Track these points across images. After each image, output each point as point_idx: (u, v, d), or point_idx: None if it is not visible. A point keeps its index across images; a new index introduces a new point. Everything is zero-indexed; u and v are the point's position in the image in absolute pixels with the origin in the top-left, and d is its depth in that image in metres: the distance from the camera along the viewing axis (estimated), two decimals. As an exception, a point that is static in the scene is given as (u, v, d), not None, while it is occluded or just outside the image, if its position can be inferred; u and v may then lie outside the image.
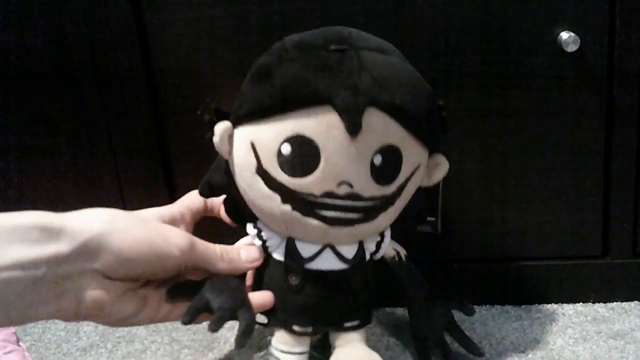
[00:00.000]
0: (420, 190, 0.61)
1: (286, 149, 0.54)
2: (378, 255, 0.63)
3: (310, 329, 0.61)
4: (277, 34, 0.68)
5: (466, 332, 0.67)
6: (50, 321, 0.80)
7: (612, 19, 0.66)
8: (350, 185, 0.54)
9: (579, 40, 0.65)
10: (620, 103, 0.68)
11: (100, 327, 0.79)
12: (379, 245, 0.62)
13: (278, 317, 0.61)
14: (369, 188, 0.55)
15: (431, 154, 0.59)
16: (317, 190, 0.55)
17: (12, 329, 0.69)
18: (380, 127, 0.54)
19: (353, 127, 0.52)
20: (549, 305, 0.75)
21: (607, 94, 0.68)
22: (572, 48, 0.65)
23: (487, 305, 0.76)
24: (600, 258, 0.74)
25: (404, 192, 0.58)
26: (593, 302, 0.75)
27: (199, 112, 0.57)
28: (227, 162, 0.59)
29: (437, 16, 0.67)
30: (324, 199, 0.55)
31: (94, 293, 0.49)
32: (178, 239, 0.54)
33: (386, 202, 0.57)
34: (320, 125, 0.53)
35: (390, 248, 0.64)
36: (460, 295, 0.66)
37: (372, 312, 0.64)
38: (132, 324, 0.55)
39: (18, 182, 0.76)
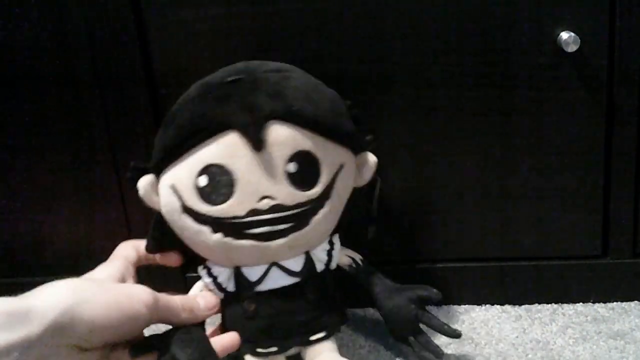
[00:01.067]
0: (361, 191, 0.62)
1: (202, 181, 0.57)
2: (333, 264, 0.63)
3: (275, 349, 0.62)
4: (277, 34, 0.68)
5: (466, 332, 0.67)
6: (50, 321, 0.80)
7: (612, 19, 0.66)
8: (272, 198, 0.56)
9: (579, 40, 0.65)
10: (620, 103, 0.68)
11: (100, 327, 0.79)
12: (330, 254, 0.63)
13: (244, 344, 0.62)
14: (291, 196, 0.57)
15: (357, 153, 0.61)
16: (241, 211, 0.56)
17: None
18: (285, 136, 0.56)
19: (256, 143, 0.55)
20: (549, 305, 0.75)
21: (607, 94, 0.68)
22: (572, 48, 0.65)
23: (487, 305, 0.76)
24: (600, 258, 0.74)
25: (333, 193, 0.59)
26: (593, 302, 0.75)
27: (127, 174, 0.60)
28: (160, 213, 0.61)
29: (437, 16, 0.67)
30: (250, 218, 0.57)
31: None
32: (142, 295, 0.54)
33: (315, 205, 0.58)
34: (227, 149, 0.56)
35: (343, 256, 0.66)
36: (455, 296, 0.66)
37: (339, 320, 0.64)
38: None
39: (18, 182, 0.76)
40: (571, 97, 0.69)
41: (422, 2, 0.67)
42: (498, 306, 0.76)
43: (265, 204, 0.56)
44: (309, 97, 0.57)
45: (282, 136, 0.56)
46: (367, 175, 0.62)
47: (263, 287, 0.61)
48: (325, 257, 0.63)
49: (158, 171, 0.59)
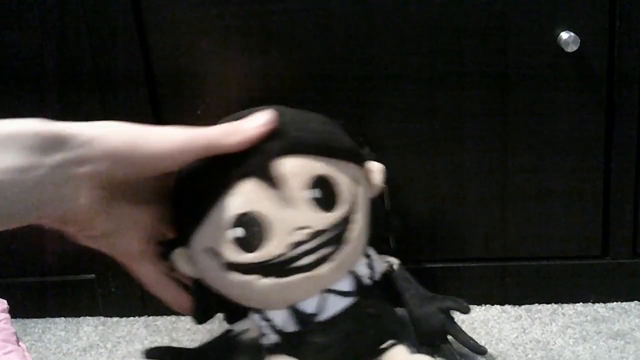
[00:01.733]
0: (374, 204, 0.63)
1: (238, 232, 0.56)
2: (377, 274, 0.64)
3: None
4: (277, 34, 0.68)
5: (466, 332, 0.67)
6: (50, 321, 0.80)
7: (612, 19, 0.66)
8: (307, 227, 0.57)
9: (579, 40, 0.65)
10: (620, 103, 0.68)
11: (100, 327, 0.79)
12: (371, 266, 0.63)
13: None
14: (323, 219, 0.58)
15: (362, 164, 0.62)
16: (283, 248, 0.57)
17: (12, 329, 0.68)
18: (300, 167, 0.57)
19: (274, 180, 0.56)
20: (549, 305, 0.75)
21: (607, 94, 0.68)
22: (572, 48, 0.65)
23: (487, 305, 0.76)
24: (600, 258, 0.74)
25: (357, 206, 0.60)
26: (593, 302, 0.75)
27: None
28: (196, 281, 0.60)
29: (437, 16, 0.67)
30: (294, 251, 0.57)
31: (85, 200, 0.49)
32: (174, 129, 0.53)
33: (347, 222, 0.59)
34: (250, 195, 0.56)
35: (381, 263, 0.66)
36: (454, 296, 0.66)
37: (405, 329, 0.65)
38: (101, 246, 0.55)
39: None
40: (571, 97, 0.69)
41: (422, 2, 0.67)
42: (498, 306, 0.76)
43: (302, 234, 0.57)
44: (305, 127, 0.59)
45: (295, 167, 0.57)
46: (377, 182, 0.63)
47: (324, 316, 0.61)
48: (367, 270, 0.63)
49: (186, 240, 0.59)
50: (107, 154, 0.49)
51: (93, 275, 0.79)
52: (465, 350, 0.66)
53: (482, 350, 0.66)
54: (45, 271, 0.80)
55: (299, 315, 0.61)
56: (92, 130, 0.49)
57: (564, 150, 0.70)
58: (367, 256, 0.64)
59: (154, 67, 0.70)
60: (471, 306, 0.75)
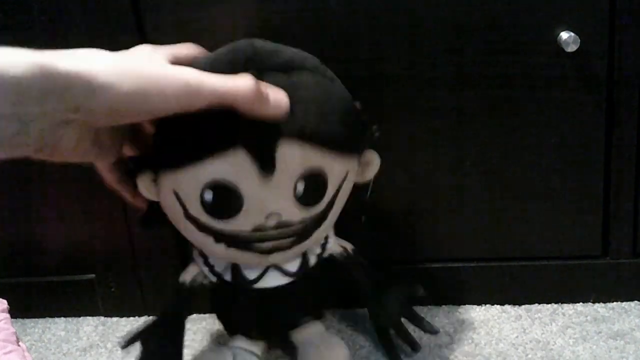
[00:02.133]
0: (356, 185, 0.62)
1: (208, 195, 0.55)
2: (325, 254, 0.64)
3: (263, 342, 0.66)
4: (277, 34, 0.68)
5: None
6: (50, 321, 0.80)
7: (612, 19, 0.66)
8: (279, 215, 0.55)
9: (579, 40, 0.64)
10: (620, 103, 0.68)
11: (100, 327, 0.79)
12: (324, 247, 0.64)
13: (232, 332, 0.65)
14: (297, 213, 0.56)
15: (362, 152, 0.60)
16: (247, 227, 0.56)
17: (12, 329, 0.69)
18: (297, 157, 0.54)
19: (266, 167, 0.53)
20: (549, 305, 0.75)
21: (607, 94, 0.68)
22: (572, 48, 0.65)
23: (487, 305, 0.76)
24: (600, 258, 0.74)
25: (336, 202, 0.59)
26: (593, 302, 0.75)
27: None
28: (158, 203, 0.59)
29: (437, 16, 0.67)
30: (255, 234, 0.56)
31: (70, 138, 0.46)
32: (191, 72, 0.47)
33: (318, 219, 0.58)
34: (234, 167, 0.53)
35: (336, 245, 0.66)
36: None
37: (324, 309, 0.68)
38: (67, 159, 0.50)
39: (18, 182, 0.76)
40: (571, 97, 0.69)
41: (422, 2, 0.67)
42: (498, 306, 0.76)
43: (272, 220, 0.56)
44: (320, 112, 0.54)
45: (292, 156, 0.54)
46: (370, 174, 0.61)
47: (259, 285, 0.61)
48: (319, 249, 0.63)
49: (159, 166, 0.57)
50: (113, 108, 0.44)
51: (93, 275, 0.79)
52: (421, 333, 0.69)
53: (435, 331, 0.69)
54: (45, 271, 0.80)
55: (237, 274, 0.61)
56: (99, 76, 0.43)
57: (564, 151, 0.70)
58: (325, 237, 0.64)
59: (154, 67, 0.70)
60: (471, 306, 0.75)
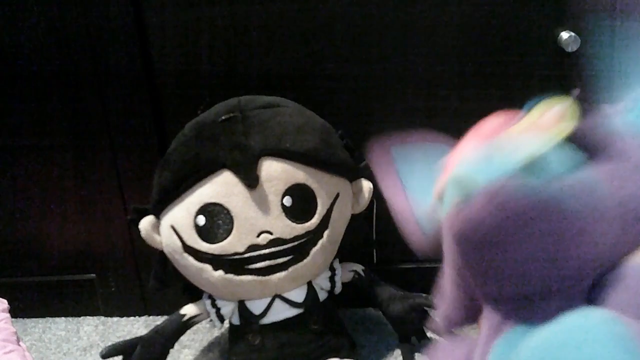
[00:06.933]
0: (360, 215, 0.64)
1: (200, 220, 0.58)
2: (337, 289, 0.65)
3: None
4: (277, 34, 0.68)
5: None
6: (50, 321, 0.80)
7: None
8: (270, 233, 0.58)
9: (579, 40, 0.65)
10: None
11: (101, 327, 0.79)
12: (332, 280, 0.64)
13: None
14: (289, 229, 0.58)
15: (353, 180, 0.62)
16: (241, 247, 0.58)
17: (12, 329, 0.69)
18: (278, 172, 0.57)
19: (249, 180, 0.56)
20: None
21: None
22: (572, 48, 0.65)
23: (487, 305, 0.76)
24: (600, 258, 0.74)
25: (331, 223, 0.60)
26: (593, 302, 0.75)
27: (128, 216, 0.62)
28: (162, 252, 0.62)
29: (437, 16, 0.67)
30: (250, 253, 0.58)
31: None
32: None
33: (313, 236, 0.60)
34: (222, 188, 0.57)
35: (346, 272, 0.66)
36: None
37: (349, 344, 0.65)
38: None
39: (18, 182, 0.76)
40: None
41: (422, 3, 0.67)
42: (498, 306, 0.76)
43: (264, 238, 0.58)
44: (299, 131, 0.59)
45: (275, 172, 0.57)
46: (364, 202, 0.63)
47: (267, 319, 0.62)
48: (328, 284, 0.64)
49: (158, 212, 0.61)
50: None
51: (93, 275, 0.79)
52: None
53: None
54: (45, 271, 0.80)
55: (244, 312, 0.62)
56: None
57: (564, 150, 0.70)
58: (332, 269, 0.64)
59: (154, 67, 0.70)
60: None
